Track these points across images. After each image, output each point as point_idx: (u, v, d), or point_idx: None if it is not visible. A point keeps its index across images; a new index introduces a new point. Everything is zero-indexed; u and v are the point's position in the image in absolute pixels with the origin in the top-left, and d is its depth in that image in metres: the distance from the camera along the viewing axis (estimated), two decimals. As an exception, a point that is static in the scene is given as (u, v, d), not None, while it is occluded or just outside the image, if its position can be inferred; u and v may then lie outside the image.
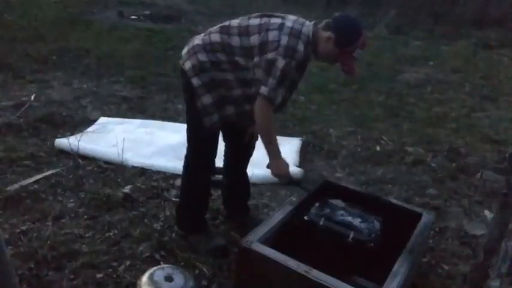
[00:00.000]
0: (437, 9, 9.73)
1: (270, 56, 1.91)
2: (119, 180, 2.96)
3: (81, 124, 3.79)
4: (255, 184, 2.81)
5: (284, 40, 1.91)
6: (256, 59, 1.96)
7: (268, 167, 2.15)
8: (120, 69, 5.43)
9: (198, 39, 2.10)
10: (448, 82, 5.97)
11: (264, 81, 1.93)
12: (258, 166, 2.68)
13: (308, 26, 2.00)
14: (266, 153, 2.10)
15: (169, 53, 6.13)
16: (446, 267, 2.38)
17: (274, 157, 2.11)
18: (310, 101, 4.82)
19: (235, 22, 2.06)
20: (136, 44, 6.76)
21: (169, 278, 1.83)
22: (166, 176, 3.05)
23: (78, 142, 3.23)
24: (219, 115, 2.11)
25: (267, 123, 2.03)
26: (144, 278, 1.83)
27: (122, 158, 3.15)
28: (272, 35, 1.93)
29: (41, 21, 7.46)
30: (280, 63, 1.89)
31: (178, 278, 1.84)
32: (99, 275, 2.10)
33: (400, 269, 1.73)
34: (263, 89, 1.92)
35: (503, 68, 6.83)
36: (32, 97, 4.21)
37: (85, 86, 4.80)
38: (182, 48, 2.18)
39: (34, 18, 7.58)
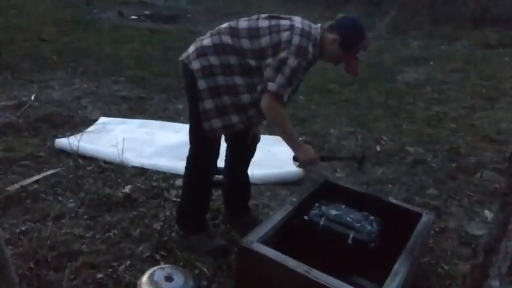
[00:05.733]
0: (437, 9, 9.72)
1: (282, 55, 1.92)
2: (119, 180, 2.97)
3: (81, 124, 3.79)
4: (255, 184, 2.81)
5: (296, 40, 1.92)
6: (269, 60, 1.95)
7: (295, 159, 2.14)
8: (120, 69, 5.43)
9: (207, 40, 2.06)
10: (448, 82, 5.97)
11: (272, 78, 1.92)
12: (258, 166, 2.68)
13: (316, 28, 2.04)
14: (289, 147, 2.09)
15: (169, 53, 6.13)
16: (446, 267, 2.38)
17: (298, 146, 2.11)
18: (310, 101, 4.82)
19: (244, 23, 2.04)
20: (136, 44, 6.77)
21: (169, 278, 1.83)
22: (166, 176, 3.05)
23: (78, 142, 3.23)
24: (222, 123, 2.10)
25: (281, 117, 2.02)
26: (144, 278, 1.83)
27: (122, 158, 3.15)
28: (284, 36, 1.94)
29: (41, 21, 7.47)
30: (292, 62, 1.91)
31: (178, 278, 1.84)
32: (99, 275, 2.10)
33: (400, 269, 1.73)
34: (271, 85, 1.91)
35: (503, 68, 6.83)
36: (32, 97, 4.21)
37: (85, 86, 4.80)
38: (182, 48, 2.17)
39: (34, 19, 7.59)
